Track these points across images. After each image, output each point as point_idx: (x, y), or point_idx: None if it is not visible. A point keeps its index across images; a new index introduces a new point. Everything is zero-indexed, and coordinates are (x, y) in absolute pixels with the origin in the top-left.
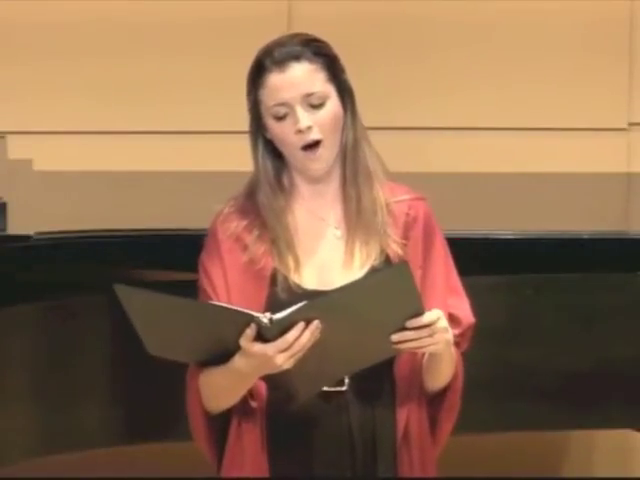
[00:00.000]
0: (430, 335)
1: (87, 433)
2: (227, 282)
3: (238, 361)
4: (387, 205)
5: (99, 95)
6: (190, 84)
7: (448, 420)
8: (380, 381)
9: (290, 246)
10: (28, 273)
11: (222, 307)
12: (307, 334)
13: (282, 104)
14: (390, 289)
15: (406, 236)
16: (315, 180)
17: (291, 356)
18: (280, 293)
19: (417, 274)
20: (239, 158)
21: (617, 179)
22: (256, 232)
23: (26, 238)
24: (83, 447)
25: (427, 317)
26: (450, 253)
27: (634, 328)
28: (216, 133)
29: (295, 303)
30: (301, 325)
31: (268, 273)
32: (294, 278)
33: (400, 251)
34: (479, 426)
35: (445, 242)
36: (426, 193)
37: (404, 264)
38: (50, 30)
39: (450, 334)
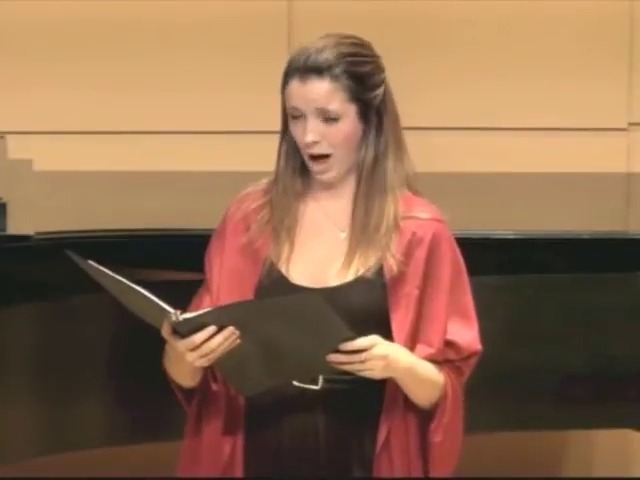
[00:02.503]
0: (362, 361)
1: (87, 433)
2: (222, 262)
3: (167, 346)
4: (396, 220)
5: (99, 95)
6: (190, 84)
7: (441, 443)
8: (364, 385)
9: (290, 234)
10: (28, 273)
11: (143, 295)
12: (218, 338)
13: (297, 108)
14: (303, 314)
15: (408, 254)
16: (329, 183)
17: (201, 356)
18: (264, 279)
19: (413, 294)
20: (239, 158)
21: (617, 179)
22: (263, 214)
23: (26, 238)
24: (83, 447)
25: (358, 343)
26: (465, 276)
27: (634, 328)
28: (216, 133)
29: (278, 293)
30: (211, 329)
31: (263, 257)
32: (282, 268)
33: (395, 267)
34: (479, 426)
35: (459, 266)
36: (426, 193)
37: (313, 294)
38: (50, 29)
39: (388, 361)
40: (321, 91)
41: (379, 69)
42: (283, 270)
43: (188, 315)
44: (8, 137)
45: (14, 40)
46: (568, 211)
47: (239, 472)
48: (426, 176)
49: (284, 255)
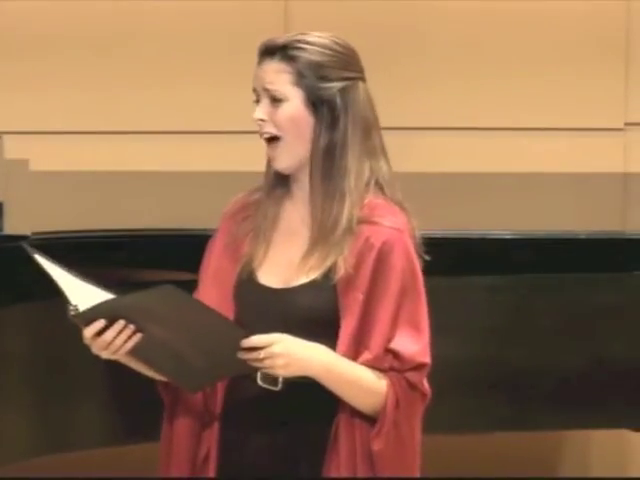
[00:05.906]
0: (261, 358)
1: (87, 433)
2: (209, 261)
3: None
4: (350, 223)
5: (98, 95)
6: (188, 84)
7: (381, 451)
8: (320, 386)
9: (266, 237)
10: (25, 273)
11: (57, 283)
12: (109, 333)
13: (255, 90)
14: (169, 306)
15: (359, 260)
16: (291, 179)
17: (102, 349)
18: (237, 279)
19: (358, 298)
20: (240, 158)
21: (614, 179)
22: (246, 215)
23: (23, 238)
24: (83, 447)
25: (253, 340)
26: (419, 288)
27: (633, 328)
28: (215, 133)
29: (246, 293)
30: (97, 324)
31: (241, 257)
32: (253, 269)
33: (342, 270)
34: (479, 426)
35: (412, 276)
36: (425, 193)
37: (165, 287)
38: (49, 29)
39: (290, 360)
40: (271, 69)
41: (342, 66)
42: (254, 271)
43: (84, 307)
44: (5, 137)
45: (14, 40)
46: (565, 211)
47: (212, 472)
48: (425, 176)
49: (259, 257)
